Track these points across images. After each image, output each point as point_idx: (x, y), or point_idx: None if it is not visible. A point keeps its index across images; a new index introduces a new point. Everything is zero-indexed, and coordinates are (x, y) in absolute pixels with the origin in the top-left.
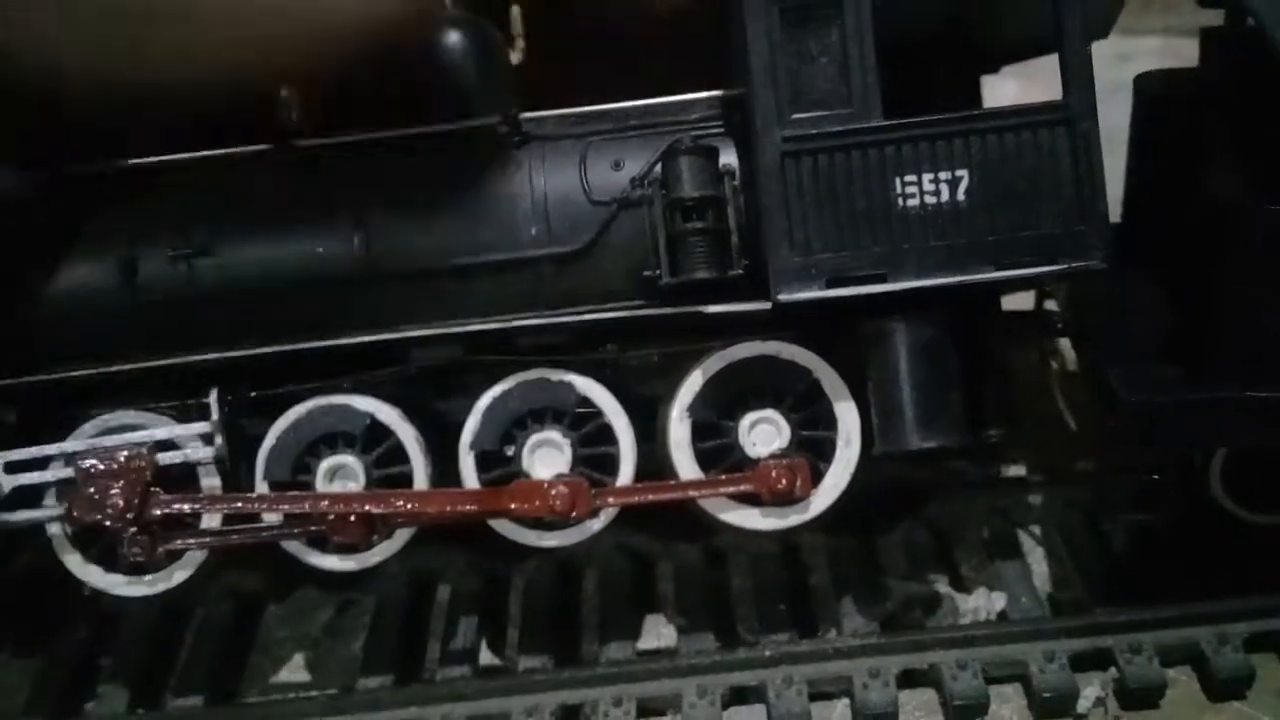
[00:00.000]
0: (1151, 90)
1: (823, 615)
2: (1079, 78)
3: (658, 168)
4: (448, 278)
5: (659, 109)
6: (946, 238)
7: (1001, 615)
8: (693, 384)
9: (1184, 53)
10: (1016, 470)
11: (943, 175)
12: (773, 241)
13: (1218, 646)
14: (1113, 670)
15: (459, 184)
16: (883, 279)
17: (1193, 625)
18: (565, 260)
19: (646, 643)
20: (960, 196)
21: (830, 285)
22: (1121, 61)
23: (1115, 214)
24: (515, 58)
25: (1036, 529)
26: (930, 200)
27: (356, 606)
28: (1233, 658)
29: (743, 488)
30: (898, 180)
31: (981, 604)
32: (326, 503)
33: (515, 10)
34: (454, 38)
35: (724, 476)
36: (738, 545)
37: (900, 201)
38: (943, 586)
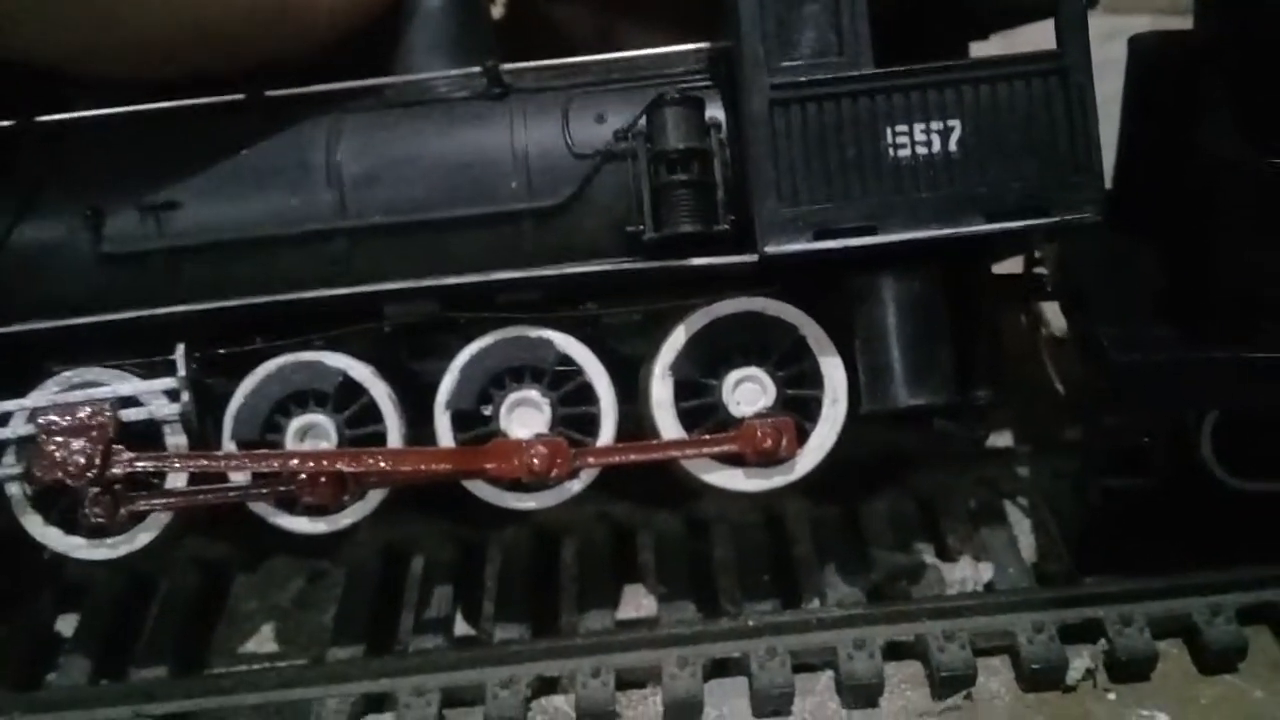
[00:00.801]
0: (1146, 51)
1: (807, 585)
2: (1074, 28)
3: (642, 121)
4: (425, 231)
5: (643, 61)
6: (938, 189)
7: (988, 586)
8: (675, 341)
9: None
10: (1003, 439)
11: (934, 125)
12: (759, 192)
13: (1210, 618)
14: (1102, 642)
15: (437, 136)
16: (872, 231)
17: (1184, 596)
18: (546, 215)
19: (626, 613)
20: (952, 147)
21: (818, 237)
22: (1109, 40)
23: (1109, 180)
24: (496, 11)
25: (1024, 500)
26: (921, 151)
27: (328, 577)
28: (1225, 629)
29: (726, 448)
30: (888, 130)
31: (968, 574)
32: (296, 462)
33: None
34: None
35: (707, 436)
36: (720, 514)
37: (891, 152)
38: (929, 557)
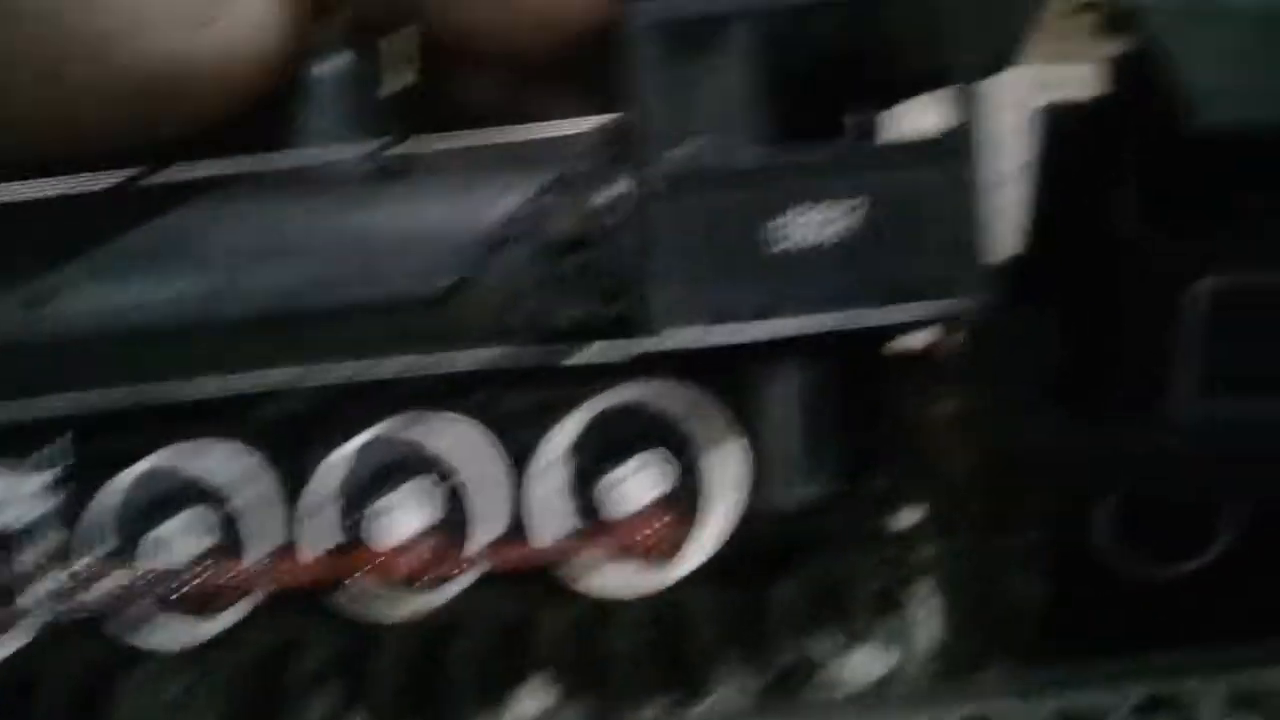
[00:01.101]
0: (1053, 121)
1: (705, 679)
2: (962, 114)
3: (535, 202)
4: (312, 318)
5: (536, 141)
6: (829, 274)
7: (887, 677)
8: (566, 430)
9: None
10: (911, 518)
11: (826, 210)
12: (652, 279)
13: (1116, 707)
14: None
15: (322, 220)
16: (763, 316)
17: (1087, 688)
18: (438, 300)
19: (520, 711)
20: (844, 232)
21: (711, 324)
22: (1047, 90)
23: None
24: (401, 83)
25: (929, 581)
26: (813, 236)
27: (209, 677)
28: None
29: (616, 542)
30: (780, 215)
31: (868, 664)
32: (153, 575)
33: (405, 34)
34: (329, 68)
35: (594, 532)
36: (617, 604)
37: (783, 236)
38: (830, 646)
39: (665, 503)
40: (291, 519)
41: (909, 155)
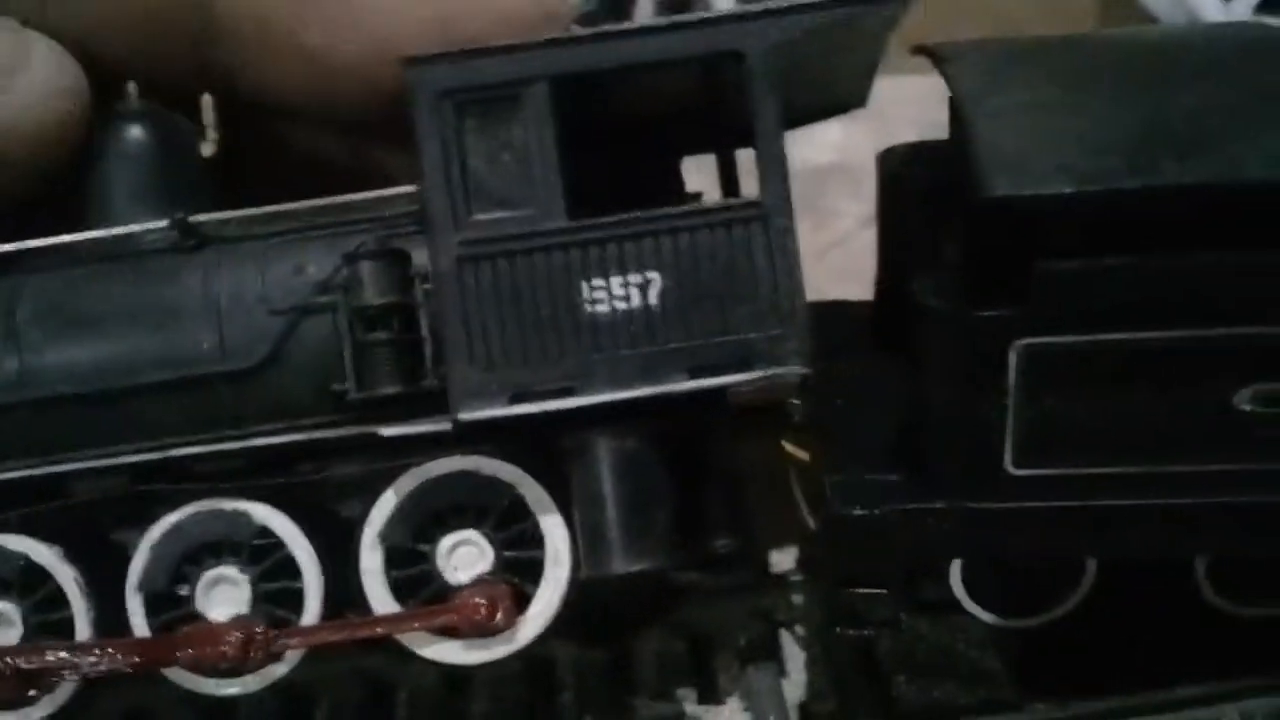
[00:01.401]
0: (891, 168)
1: None
2: (774, 173)
3: (343, 272)
4: (113, 399)
5: (346, 207)
6: (638, 345)
7: None
8: (385, 505)
9: None
10: (783, 566)
11: (633, 279)
12: (451, 354)
13: None
14: None
15: (124, 295)
16: (570, 392)
17: None
18: (243, 376)
19: None
20: (652, 301)
21: (514, 401)
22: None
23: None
24: (207, 150)
25: (799, 630)
26: (620, 306)
27: None
28: None
29: (440, 621)
30: (584, 285)
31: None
32: None
33: (206, 99)
34: (133, 133)
35: (418, 610)
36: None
37: (588, 307)
38: (692, 704)
39: (493, 575)
40: (101, 607)
41: (722, 216)
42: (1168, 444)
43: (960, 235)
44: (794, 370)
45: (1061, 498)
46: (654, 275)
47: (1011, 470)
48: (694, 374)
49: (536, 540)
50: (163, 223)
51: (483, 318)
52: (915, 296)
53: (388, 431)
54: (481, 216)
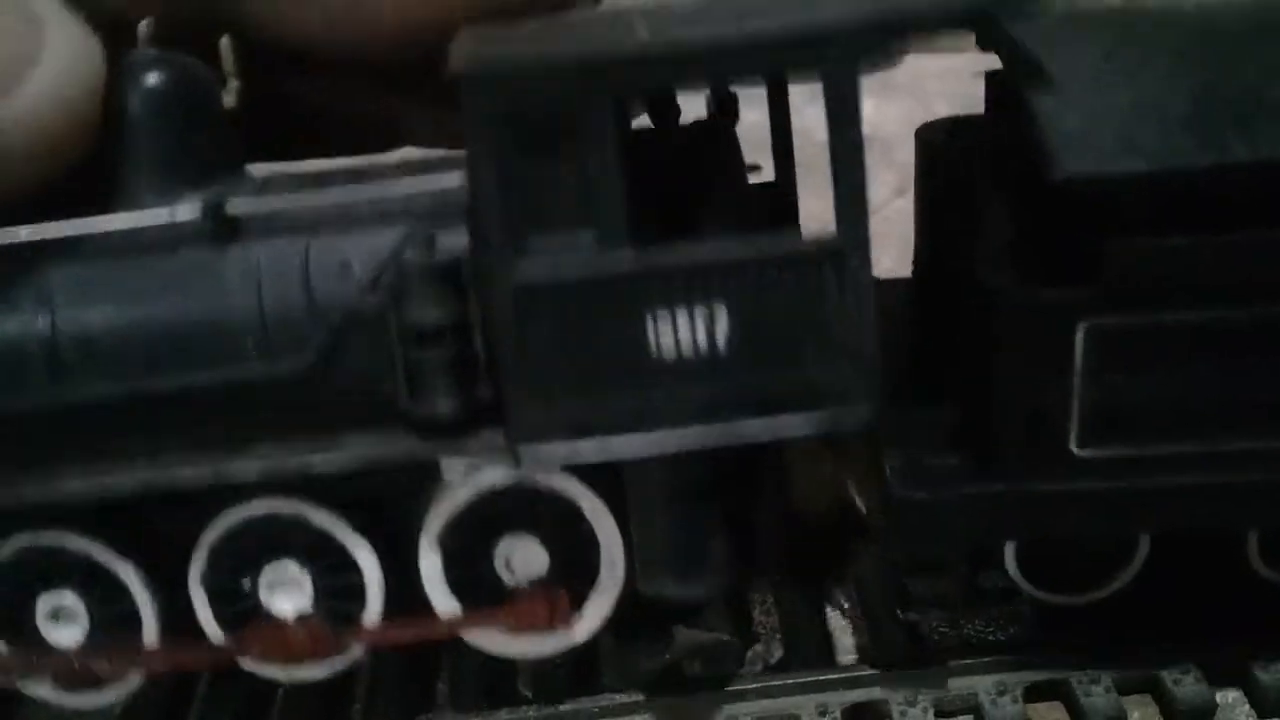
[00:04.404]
0: (931, 144)
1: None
2: (852, 210)
3: (390, 273)
4: (149, 404)
5: (395, 196)
6: (704, 384)
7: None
8: (443, 510)
9: None
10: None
11: (700, 314)
12: (510, 388)
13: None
14: None
15: (153, 292)
16: (634, 430)
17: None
18: (290, 381)
19: None
20: (719, 338)
21: (575, 438)
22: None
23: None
24: (229, 100)
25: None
26: (686, 341)
27: None
28: None
29: (496, 623)
30: (650, 319)
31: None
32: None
33: (225, 44)
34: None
35: (477, 611)
36: None
37: (653, 342)
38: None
39: (550, 577)
40: (164, 602)
41: (796, 252)
42: (1230, 422)
43: (1020, 214)
44: (862, 415)
45: (1124, 478)
46: (723, 310)
47: (1076, 451)
48: (760, 412)
49: (592, 545)
50: (194, 208)
51: (542, 350)
52: (976, 276)
53: (446, 463)
54: (541, 245)
